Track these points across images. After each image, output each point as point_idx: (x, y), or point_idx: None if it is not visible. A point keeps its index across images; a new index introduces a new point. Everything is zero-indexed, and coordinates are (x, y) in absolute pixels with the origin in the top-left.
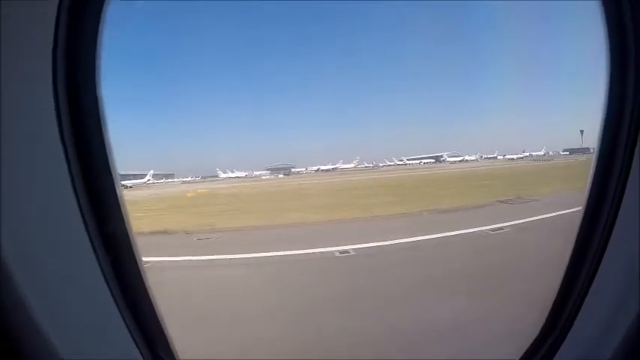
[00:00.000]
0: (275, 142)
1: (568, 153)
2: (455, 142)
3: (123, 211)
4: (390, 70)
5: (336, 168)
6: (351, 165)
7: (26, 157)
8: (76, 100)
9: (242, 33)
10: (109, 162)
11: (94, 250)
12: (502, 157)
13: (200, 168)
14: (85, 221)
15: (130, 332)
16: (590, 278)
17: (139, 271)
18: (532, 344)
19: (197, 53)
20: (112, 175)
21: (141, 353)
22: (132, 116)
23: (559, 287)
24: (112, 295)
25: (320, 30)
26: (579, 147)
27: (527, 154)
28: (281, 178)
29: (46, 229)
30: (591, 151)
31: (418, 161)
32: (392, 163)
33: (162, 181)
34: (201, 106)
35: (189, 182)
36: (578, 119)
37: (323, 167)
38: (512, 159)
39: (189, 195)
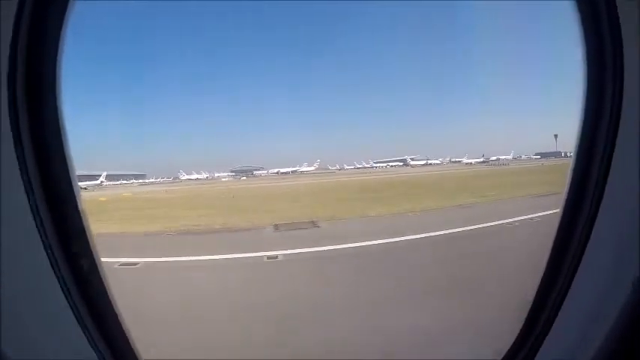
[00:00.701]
0: (250, 143)
1: (539, 157)
2: (431, 144)
3: (80, 210)
4: (366, 72)
5: (295, 171)
6: (312, 168)
7: None
8: (35, 101)
9: (211, 33)
10: (67, 162)
11: (50, 251)
12: (467, 160)
13: (172, 169)
14: (40, 220)
15: (88, 333)
16: (569, 277)
17: (97, 271)
18: (513, 345)
19: (171, 54)
20: (69, 175)
21: (100, 353)
22: (108, 117)
23: (538, 287)
24: (68, 295)
25: (290, 32)
26: (551, 151)
27: (494, 157)
28: (240, 180)
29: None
30: (562, 155)
31: (385, 164)
32: (360, 166)
33: (131, 182)
34: (178, 108)
35: (147, 184)
36: (555, 123)
37: (282, 170)
38: (471, 163)
39: (101, 199)
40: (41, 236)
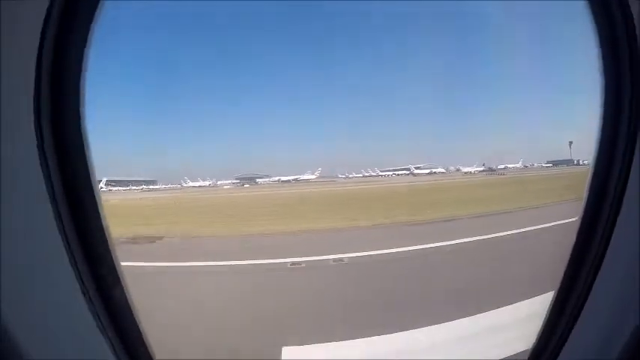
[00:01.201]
0: (261, 151)
1: (551, 165)
2: (446, 152)
3: (100, 213)
4: (378, 79)
5: (297, 179)
6: (313, 176)
7: (2, 160)
8: (59, 107)
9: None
10: (88, 166)
11: (70, 253)
12: (465, 169)
13: (182, 175)
14: (61, 222)
15: (106, 335)
16: (591, 279)
17: (116, 273)
18: (534, 347)
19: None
20: (90, 178)
21: (117, 356)
22: (124, 121)
23: (558, 290)
24: (88, 298)
25: (301, 39)
26: (564, 159)
27: (502, 166)
28: (241, 187)
29: (19, 231)
30: (575, 162)
31: (392, 173)
32: (367, 174)
33: (140, 187)
34: (191, 115)
35: (150, 190)
36: (571, 130)
37: (284, 178)
38: (470, 172)
39: None
40: (60, 234)
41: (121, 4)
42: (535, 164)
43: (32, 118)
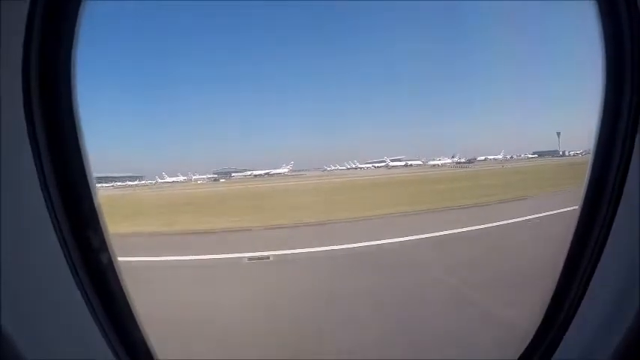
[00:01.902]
0: (245, 144)
1: (536, 156)
2: (429, 144)
3: (97, 211)
4: (363, 71)
5: (268, 173)
6: (285, 170)
7: None
8: (50, 103)
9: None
10: (84, 163)
11: (67, 251)
12: (434, 162)
13: (164, 170)
14: (57, 221)
15: (105, 334)
16: (588, 276)
17: (115, 272)
18: (529, 344)
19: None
20: (86, 176)
21: (116, 355)
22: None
23: (556, 285)
24: (85, 296)
25: (260, 28)
26: (550, 150)
27: (481, 157)
28: (213, 183)
29: (16, 230)
30: (561, 154)
31: (371, 165)
32: (345, 167)
33: (125, 184)
34: (173, 109)
35: (124, 187)
36: (560, 120)
37: (256, 172)
38: (438, 165)
39: None
40: (57, 233)
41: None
42: (522, 155)
43: (23, 118)
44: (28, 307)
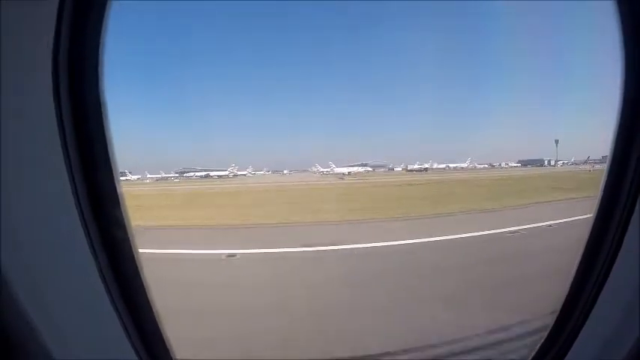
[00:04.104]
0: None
1: (519, 165)
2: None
3: (122, 210)
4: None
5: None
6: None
7: (25, 158)
8: (79, 102)
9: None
10: (110, 161)
11: (92, 250)
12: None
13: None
14: (83, 219)
15: (127, 333)
16: (602, 278)
17: (137, 271)
18: (542, 344)
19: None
20: (112, 174)
21: (138, 354)
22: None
23: (570, 286)
24: (109, 296)
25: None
26: (535, 158)
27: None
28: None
29: (43, 228)
30: (546, 163)
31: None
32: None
33: None
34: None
35: None
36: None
37: (211, 173)
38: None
39: None
40: (87, 234)
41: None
42: (502, 164)
43: (53, 114)
44: (55, 307)
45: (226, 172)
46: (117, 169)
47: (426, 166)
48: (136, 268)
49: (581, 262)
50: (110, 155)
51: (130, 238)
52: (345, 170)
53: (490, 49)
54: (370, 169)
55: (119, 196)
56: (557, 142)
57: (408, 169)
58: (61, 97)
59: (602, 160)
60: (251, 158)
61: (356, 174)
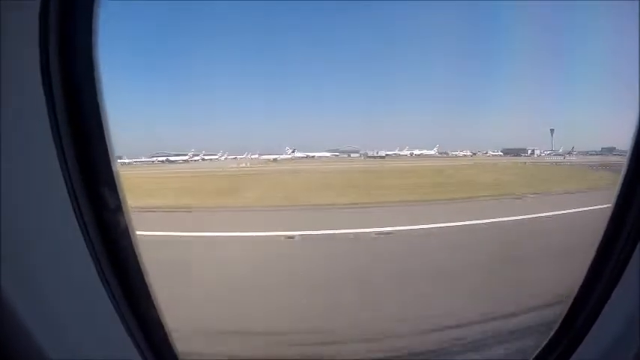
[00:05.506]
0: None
1: (501, 154)
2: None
3: (123, 205)
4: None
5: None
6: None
7: (20, 159)
8: (74, 97)
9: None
10: (110, 157)
11: (91, 246)
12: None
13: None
14: (80, 215)
15: (131, 333)
16: (614, 279)
17: (139, 268)
18: (548, 342)
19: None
20: (112, 174)
21: (142, 353)
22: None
23: (581, 285)
24: (110, 294)
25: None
26: (520, 147)
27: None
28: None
29: (38, 223)
30: (529, 153)
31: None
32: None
33: None
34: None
35: None
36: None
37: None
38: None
39: None
40: (85, 230)
41: None
42: (488, 152)
43: (44, 105)
44: (52, 306)
45: (186, 157)
46: (117, 169)
47: (386, 153)
48: (138, 265)
49: (594, 261)
50: (110, 153)
51: (131, 234)
52: (277, 157)
53: (485, 40)
54: (335, 155)
55: (119, 193)
56: (552, 131)
57: (368, 155)
58: (54, 95)
59: (594, 153)
60: (229, 142)
61: (287, 161)
